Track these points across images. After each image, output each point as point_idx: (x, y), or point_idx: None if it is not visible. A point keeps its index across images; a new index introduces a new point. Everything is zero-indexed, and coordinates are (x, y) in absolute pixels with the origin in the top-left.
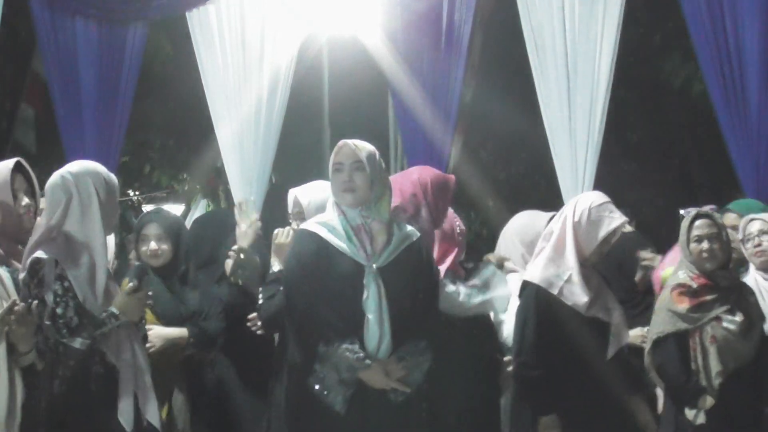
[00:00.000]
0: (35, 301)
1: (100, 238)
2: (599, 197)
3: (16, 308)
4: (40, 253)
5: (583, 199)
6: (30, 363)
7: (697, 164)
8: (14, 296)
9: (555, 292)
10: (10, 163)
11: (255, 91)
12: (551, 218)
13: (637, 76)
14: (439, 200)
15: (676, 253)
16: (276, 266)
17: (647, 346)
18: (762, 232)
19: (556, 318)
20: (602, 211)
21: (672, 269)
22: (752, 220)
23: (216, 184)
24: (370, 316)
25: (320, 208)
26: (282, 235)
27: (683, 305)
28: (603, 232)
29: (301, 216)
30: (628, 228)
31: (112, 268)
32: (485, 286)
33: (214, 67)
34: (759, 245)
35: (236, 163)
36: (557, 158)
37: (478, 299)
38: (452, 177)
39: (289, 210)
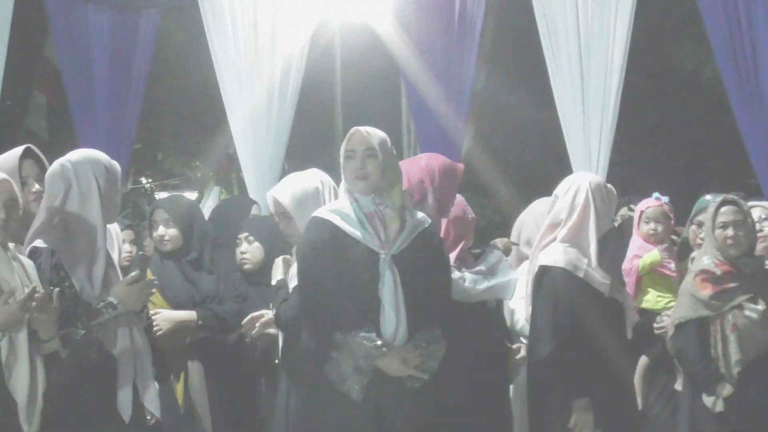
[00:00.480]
0: (56, 289)
1: (100, 227)
2: (592, 174)
3: (36, 295)
4: (37, 243)
5: (590, 180)
6: (53, 351)
7: (709, 150)
8: (38, 284)
9: (581, 275)
10: (18, 150)
11: (267, 77)
12: None
13: (649, 62)
14: (446, 188)
15: (635, 242)
16: (276, 278)
17: (669, 331)
18: (762, 219)
19: (585, 300)
20: (606, 185)
21: (650, 257)
22: (752, 207)
23: (228, 171)
24: (386, 303)
25: (302, 200)
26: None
27: (706, 292)
28: (615, 204)
29: (287, 215)
30: None
31: (128, 256)
32: (490, 273)
33: (226, 54)
34: (760, 231)
35: (249, 150)
36: (570, 145)
37: (483, 285)
38: (461, 165)
39: (272, 212)
